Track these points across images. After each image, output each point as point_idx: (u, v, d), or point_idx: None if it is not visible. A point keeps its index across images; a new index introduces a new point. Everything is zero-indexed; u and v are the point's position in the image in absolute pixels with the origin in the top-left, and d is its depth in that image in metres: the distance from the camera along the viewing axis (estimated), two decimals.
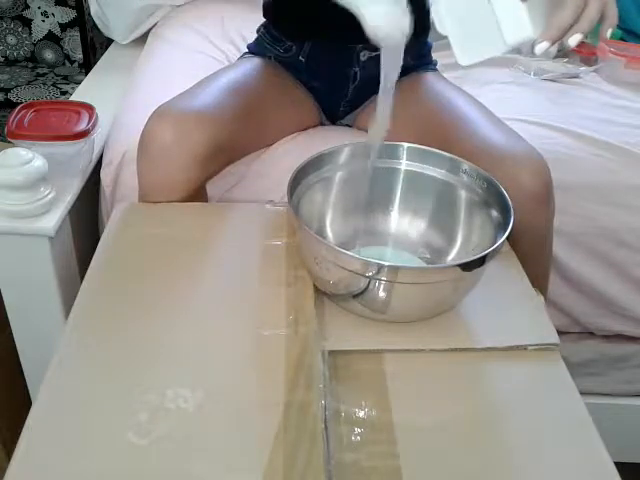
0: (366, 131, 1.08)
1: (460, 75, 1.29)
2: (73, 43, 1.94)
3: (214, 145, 0.81)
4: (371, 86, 1.05)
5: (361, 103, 1.07)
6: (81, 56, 1.91)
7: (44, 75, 1.91)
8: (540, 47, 0.62)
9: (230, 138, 0.86)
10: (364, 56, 1.00)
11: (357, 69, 1.01)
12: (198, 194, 0.86)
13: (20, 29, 1.93)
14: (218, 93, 0.89)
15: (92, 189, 1.05)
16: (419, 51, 1.05)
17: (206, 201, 0.91)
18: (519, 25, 0.60)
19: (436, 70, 1.08)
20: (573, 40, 0.62)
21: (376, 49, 0.99)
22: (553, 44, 0.62)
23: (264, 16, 1.05)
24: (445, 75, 1.07)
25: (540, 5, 0.61)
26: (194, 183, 0.83)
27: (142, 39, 1.55)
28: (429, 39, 1.06)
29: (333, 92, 1.06)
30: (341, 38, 0.97)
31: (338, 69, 1.02)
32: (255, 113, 0.93)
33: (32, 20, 1.91)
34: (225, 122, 0.85)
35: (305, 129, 1.07)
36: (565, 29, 0.61)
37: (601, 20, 0.65)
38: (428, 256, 0.77)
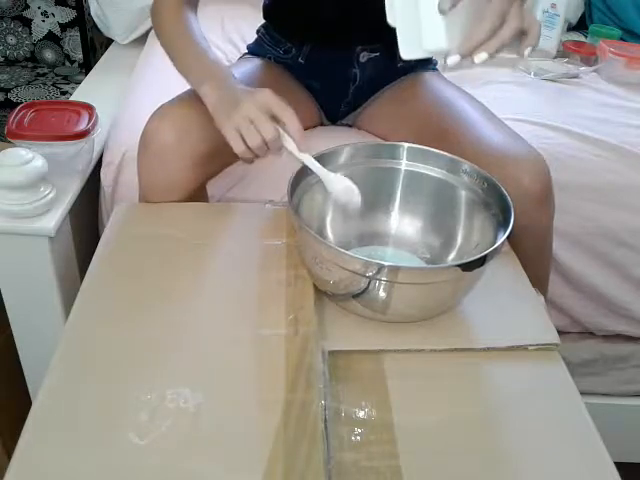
0: (367, 131, 1.08)
1: (460, 75, 1.29)
2: (73, 43, 1.94)
3: (214, 146, 0.81)
4: (371, 87, 1.05)
5: (361, 103, 1.07)
6: (81, 56, 1.91)
7: (44, 75, 1.91)
8: (451, 59, 0.63)
9: None
10: (364, 57, 1.00)
11: (357, 70, 1.01)
12: (198, 194, 0.86)
13: (20, 29, 1.93)
14: None
15: (92, 189, 1.05)
16: None
17: (206, 201, 0.91)
18: (436, 35, 0.62)
19: (436, 70, 1.08)
20: (478, 58, 0.62)
21: (376, 50, 0.99)
22: (463, 58, 0.63)
23: (264, 17, 1.05)
24: (445, 75, 1.07)
25: (461, 20, 0.62)
26: (194, 183, 0.83)
27: (142, 39, 1.55)
28: None
29: (333, 93, 1.06)
30: (341, 40, 0.97)
31: (338, 71, 1.02)
32: None
33: (32, 20, 1.91)
34: None
35: (305, 129, 1.06)
36: (476, 46, 0.62)
37: (521, 38, 0.66)
38: (428, 256, 0.77)
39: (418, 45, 0.64)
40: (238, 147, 0.73)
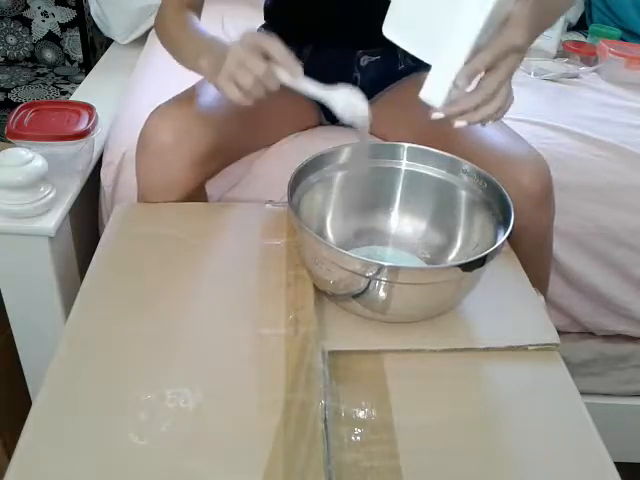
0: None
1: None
2: (73, 43, 1.94)
3: (213, 145, 0.81)
4: (372, 89, 1.05)
5: None
6: (81, 56, 1.91)
7: (44, 75, 1.91)
8: (435, 115, 0.68)
9: (229, 138, 0.86)
10: (364, 61, 1.00)
11: (357, 74, 1.01)
12: (197, 194, 0.86)
13: (20, 29, 1.93)
14: (217, 93, 0.89)
15: (92, 189, 1.05)
16: None
17: (205, 201, 0.91)
18: (437, 93, 0.65)
19: None
20: (458, 123, 0.68)
21: (376, 54, 0.99)
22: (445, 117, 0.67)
23: (265, 19, 1.05)
24: None
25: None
26: (193, 183, 0.83)
27: (142, 39, 1.55)
28: None
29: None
30: (341, 43, 0.97)
31: (338, 74, 1.02)
32: (254, 113, 0.93)
33: (32, 20, 1.91)
34: (223, 122, 0.85)
35: (305, 129, 1.07)
36: (460, 113, 0.67)
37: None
38: (428, 256, 0.77)
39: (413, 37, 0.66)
40: (232, 93, 0.71)
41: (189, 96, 0.86)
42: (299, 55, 1.01)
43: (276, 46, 0.70)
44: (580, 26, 1.76)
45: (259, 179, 1.00)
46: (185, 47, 0.83)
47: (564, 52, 1.54)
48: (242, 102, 0.72)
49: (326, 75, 1.03)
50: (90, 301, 0.68)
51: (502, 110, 0.70)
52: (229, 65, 0.70)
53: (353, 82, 1.02)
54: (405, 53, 0.65)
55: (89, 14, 1.69)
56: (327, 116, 1.10)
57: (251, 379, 0.59)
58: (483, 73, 0.66)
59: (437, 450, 0.55)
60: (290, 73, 0.70)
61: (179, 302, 0.69)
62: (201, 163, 0.81)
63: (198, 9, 0.92)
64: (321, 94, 0.72)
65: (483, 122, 0.70)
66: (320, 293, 0.69)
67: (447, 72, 0.63)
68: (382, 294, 0.63)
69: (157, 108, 0.82)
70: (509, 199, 0.68)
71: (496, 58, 0.64)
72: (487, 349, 0.65)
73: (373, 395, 0.60)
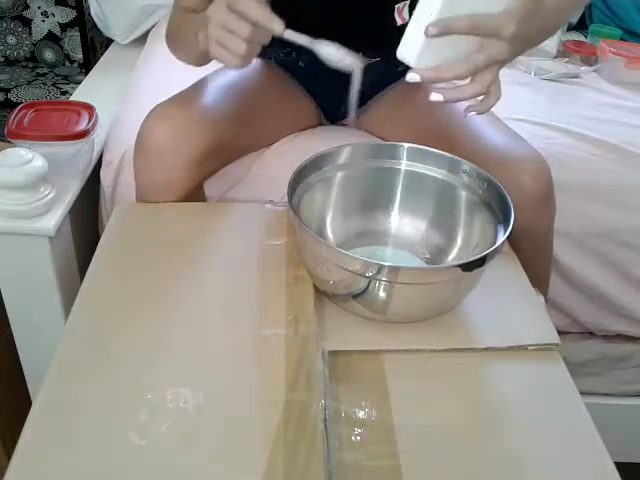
0: (367, 131, 1.08)
1: None
2: (73, 43, 1.94)
3: (211, 145, 0.81)
4: (371, 90, 1.05)
5: (361, 105, 1.07)
6: (81, 56, 1.91)
7: (44, 75, 1.91)
8: (410, 76, 0.66)
9: (227, 138, 0.86)
10: (364, 63, 1.00)
11: None
12: (195, 194, 0.86)
13: (20, 29, 1.93)
14: (216, 93, 0.89)
15: (92, 189, 1.05)
16: None
17: (204, 201, 0.91)
18: (411, 48, 0.64)
19: None
20: (434, 96, 0.67)
21: (376, 56, 0.99)
22: (422, 82, 0.66)
23: None
24: None
25: (442, 53, 0.65)
26: (191, 183, 0.83)
27: (142, 39, 1.55)
28: None
29: (333, 97, 1.05)
30: (341, 45, 0.97)
31: (338, 76, 1.02)
32: (253, 113, 0.93)
33: (32, 20, 1.91)
34: (222, 122, 0.85)
35: (304, 129, 1.07)
36: (436, 79, 0.65)
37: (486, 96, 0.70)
38: (428, 256, 0.77)
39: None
40: (228, 60, 0.70)
41: (187, 96, 0.86)
42: (299, 57, 1.02)
43: (250, 5, 0.67)
44: (580, 26, 1.76)
45: (259, 179, 1.00)
46: (186, 32, 0.82)
47: (564, 52, 1.54)
48: (242, 65, 0.70)
49: (326, 76, 1.03)
50: (90, 301, 0.68)
51: (487, 103, 0.69)
52: (213, 32, 0.69)
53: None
54: None
55: (89, 14, 1.69)
56: (327, 116, 1.10)
57: (251, 379, 0.59)
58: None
59: (437, 450, 0.55)
60: (273, 31, 0.69)
61: (179, 302, 0.69)
62: (199, 163, 0.81)
63: None
64: (307, 42, 0.72)
65: (466, 112, 0.69)
66: (320, 293, 0.69)
67: (420, 26, 0.62)
68: (382, 294, 0.63)
69: (155, 108, 0.82)
70: (509, 199, 0.68)
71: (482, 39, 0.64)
72: (487, 349, 0.65)
73: (373, 395, 0.60)
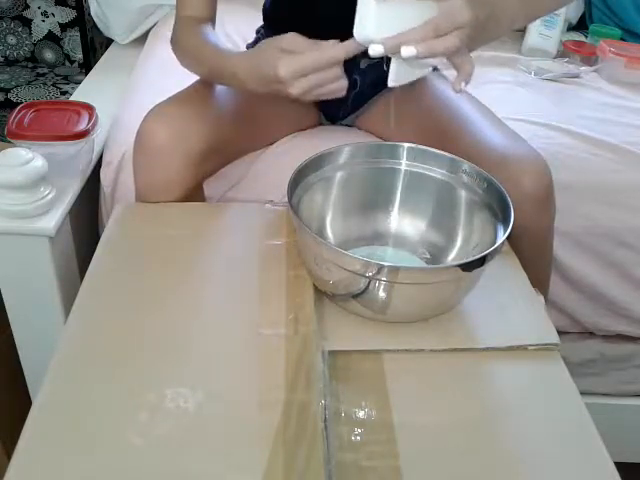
0: (367, 131, 1.08)
1: None
2: (73, 43, 1.94)
3: (210, 145, 0.81)
4: (371, 91, 1.05)
5: (361, 106, 1.07)
6: (81, 56, 1.91)
7: (44, 75, 1.91)
8: (373, 49, 0.64)
9: (226, 138, 0.86)
10: (364, 64, 1.00)
11: (357, 77, 1.01)
12: (195, 194, 0.86)
13: (20, 29, 1.93)
14: (214, 93, 0.89)
15: (92, 189, 1.05)
16: None
17: (203, 201, 0.91)
18: (366, 23, 0.64)
19: (437, 70, 1.08)
20: (405, 50, 0.63)
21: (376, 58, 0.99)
22: (387, 53, 0.64)
23: (264, 20, 1.05)
24: (445, 73, 1.07)
25: (397, 20, 0.64)
26: (190, 182, 0.83)
27: (142, 39, 1.55)
28: None
29: (333, 98, 1.05)
30: None
31: None
32: (252, 113, 0.93)
33: (32, 20, 1.91)
34: (221, 122, 0.85)
35: (304, 129, 1.07)
36: (399, 43, 0.63)
37: (457, 71, 0.69)
38: (428, 256, 0.77)
39: (408, 72, 0.68)
40: (339, 94, 0.71)
41: (186, 95, 0.86)
42: None
43: (320, 54, 0.67)
44: (580, 26, 1.76)
45: (259, 179, 1.00)
46: (210, 62, 0.83)
47: (564, 52, 1.54)
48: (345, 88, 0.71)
49: None
50: (90, 301, 0.68)
51: (465, 72, 0.68)
52: (314, 95, 0.70)
53: (352, 84, 1.02)
54: None
55: (89, 14, 1.69)
56: (327, 116, 1.10)
57: (251, 379, 0.59)
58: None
59: (437, 450, 0.55)
60: (356, 49, 0.68)
61: (179, 302, 0.69)
62: (198, 163, 0.81)
63: (212, 20, 0.91)
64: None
65: (457, 88, 0.68)
66: (320, 293, 0.69)
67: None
68: (382, 294, 0.63)
69: (154, 108, 0.82)
70: (509, 199, 0.68)
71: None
72: (487, 349, 0.65)
73: (373, 395, 0.60)
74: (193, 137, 0.80)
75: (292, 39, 0.70)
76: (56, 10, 1.90)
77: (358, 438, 0.56)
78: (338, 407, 0.58)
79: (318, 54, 0.67)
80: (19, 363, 1.01)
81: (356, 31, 0.65)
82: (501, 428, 0.59)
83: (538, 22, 1.51)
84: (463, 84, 0.70)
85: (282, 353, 0.62)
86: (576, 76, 1.42)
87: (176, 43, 0.89)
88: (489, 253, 0.61)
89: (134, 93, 1.18)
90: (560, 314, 1.11)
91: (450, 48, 0.65)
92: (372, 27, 0.64)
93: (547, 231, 0.87)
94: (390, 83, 0.69)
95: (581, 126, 1.16)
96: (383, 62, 0.99)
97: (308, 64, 0.67)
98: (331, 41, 0.68)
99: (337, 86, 0.69)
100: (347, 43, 0.67)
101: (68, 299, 0.95)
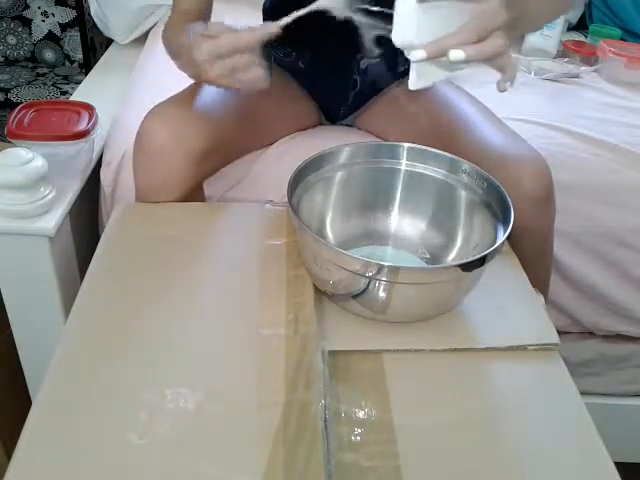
0: (367, 131, 1.08)
1: (460, 75, 1.29)
2: (73, 43, 1.94)
3: (210, 145, 0.81)
4: (371, 91, 1.05)
5: (361, 105, 1.07)
6: (81, 56, 1.91)
7: (44, 75, 1.91)
8: (414, 54, 0.62)
9: (226, 138, 0.86)
10: (364, 64, 1.00)
11: (357, 77, 1.01)
12: (195, 194, 0.86)
13: (20, 29, 1.93)
14: (215, 93, 0.89)
15: (92, 189, 1.05)
16: None
17: (203, 201, 0.91)
18: (407, 27, 0.62)
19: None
20: (453, 54, 0.61)
21: (376, 57, 0.99)
22: (429, 58, 0.62)
23: (264, 20, 1.05)
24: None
25: (437, 23, 0.62)
26: (190, 182, 0.83)
27: (142, 39, 1.55)
28: None
29: (333, 97, 1.05)
30: (341, 47, 0.97)
31: (338, 77, 1.02)
32: (252, 113, 0.93)
33: (32, 20, 1.91)
34: (221, 121, 0.85)
35: (304, 129, 1.07)
36: (442, 49, 0.61)
37: (501, 72, 0.68)
38: (428, 256, 0.77)
39: (430, 74, 0.65)
40: (255, 86, 0.71)
41: (186, 95, 0.86)
42: (298, 57, 1.02)
43: (236, 37, 0.68)
44: (580, 26, 1.76)
45: (259, 179, 1.00)
46: (172, 46, 0.84)
47: (564, 52, 1.54)
48: (266, 83, 0.72)
49: (326, 77, 1.04)
50: (90, 301, 0.68)
51: (511, 73, 0.67)
52: (225, 81, 0.70)
53: (353, 84, 1.02)
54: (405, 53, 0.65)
55: (89, 14, 1.69)
56: (327, 116, 1.10)
57: (251, 379, 0.59)
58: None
59: (437, 450, 0.55)
60: (273, 34, 0.69)
61: (179, 302, 0.69)
62: (198, 162, 0.81)
63: (207, 14, 0.91)
64: (303, 11, 0.71)
65: (501, 87, 0.67)
66: (320, 293, 0.69)
67: (408, 2, 0.61)
68: (382, 294, 0.63)
69: (154, 108, 0.82)
70: (509, 199, 0.68)
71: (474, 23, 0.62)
72: (487, 349, 0.65)
73: (373, 395, 0.60)
74: (193, 137, 0.80)
75: (213, 25, 0.71)
76: (56, 10, 1.90)
77: (358, 438, 0.56)
78: (338, 407, 0.58)
79: (233, 37, 0.68)
80: (19, 363, 1.01)
81: (395, 36, 0.64)
82: (501, 428, 0.59)
83: None
84: (508, 84, 0.69)
85: (282, 353, 0.62)
86: (576, 76, 1.42)
87: (163, 32, 0.89)
88: (489, 253, 0.61)
89: (134, 93, 1.18)
90: (560, 314, 1.11)
91: (498, 49, 0.63)
92: (413, 31, 0.62)
93: (547, 231, 0.87)
94: (411, 86, 0.67)
95: (581, 126, 1.16)
96: (383, 62, 1.00)
97: (222, 46, 0.68)
98: (247, 26, 0.69)
99: (254, 74, 0.69)
100: (260, 28, 0.68)
101: (68, 299, 0.95)
